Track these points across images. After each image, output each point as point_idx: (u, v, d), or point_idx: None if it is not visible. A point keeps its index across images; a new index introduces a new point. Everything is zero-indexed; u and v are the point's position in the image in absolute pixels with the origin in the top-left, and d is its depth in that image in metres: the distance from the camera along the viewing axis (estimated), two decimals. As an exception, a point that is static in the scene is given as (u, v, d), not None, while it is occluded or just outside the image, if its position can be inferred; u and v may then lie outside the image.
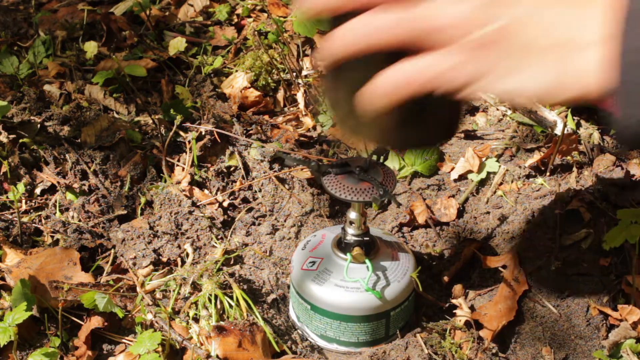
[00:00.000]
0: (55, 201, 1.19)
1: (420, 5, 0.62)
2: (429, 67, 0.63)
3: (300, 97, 1.42)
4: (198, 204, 1.19)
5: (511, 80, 0.62)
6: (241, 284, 1.05)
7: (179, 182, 1.23)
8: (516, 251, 1.08)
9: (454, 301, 1.04)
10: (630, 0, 0.58)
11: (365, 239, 0.96)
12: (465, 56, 0.62)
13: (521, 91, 0.63)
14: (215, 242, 1.13)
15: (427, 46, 0.63)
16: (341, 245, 0.98)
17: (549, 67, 0.61)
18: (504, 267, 1.07)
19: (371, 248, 0.97)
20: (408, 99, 0.64)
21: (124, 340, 1.02)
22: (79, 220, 1.16)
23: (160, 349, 0.97)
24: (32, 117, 1.32)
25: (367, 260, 0.96)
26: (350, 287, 0.95)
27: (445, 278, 1.08)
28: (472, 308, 1.03)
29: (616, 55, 0.58)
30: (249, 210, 1.20)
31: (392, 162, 1.26)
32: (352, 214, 0.95)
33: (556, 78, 0.61)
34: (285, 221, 1.18)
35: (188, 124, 1.30)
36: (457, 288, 1.07)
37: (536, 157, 1.24)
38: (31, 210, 1.19)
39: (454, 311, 1.02)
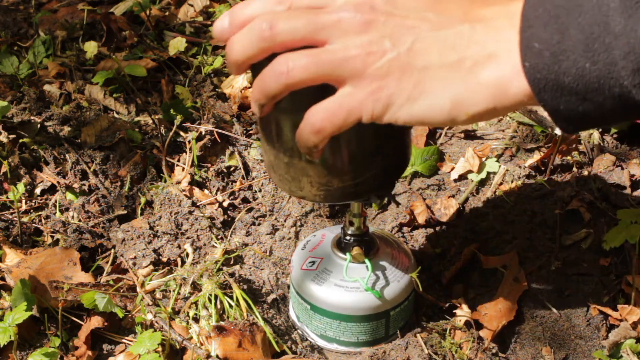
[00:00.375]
0: (55, 201, 1.19)
1: (327, 42, 0.65)
2: (345, 99, 0.66)
3: (300, 97, 1.41)
4: (198, 204, 1.19)
5: (417, 105, 0.64)
6: (241, 284, 1.05)
7: (179, 182, 1.23)
8: (516, 251, 1.08)
9: (454, 301, 1.04)
10: (525, 7, 0.61)
11: (364, 238, 0.96)
12: (373, 86, 0.64)
13: (430, 114, 0.65)
14: (215, 242, 1.13)
15: (339, 80, 0.65)
16: (341, 245, 0.98)
17: (453, 85, 0.63)
18: (504, 267, 1.07)
19: (371, 248, 0.97)
20: (339, 132, 0.67)
21: (124, 340, 1.02)
22: (79, 220, 1.16)
23: (160, 349, 0.97)
24: (32, 117, 1.32)
25: (366, 260, 0.96)
26: (350, 286, 0.96)
27: (445, 278, 1.08)
28: (472, 308, 1.03)
29: (518, 60, 0.61)
30: (249, 210, 1.20)
31: (392, 162, 1.26)
32: (351, 215, 0.95)
33: (462, 95, 0.63)
34: (285, 221, 1.18)
35: (188, 124, 1.30)
36: (457, 288, 1.07)
37: (536, 157, 1.24)
38: (31, 210, 1.19)
39: (454, 311, 1.02)
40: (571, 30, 0.58)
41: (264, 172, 1.24)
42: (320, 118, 0.67)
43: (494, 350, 0.98)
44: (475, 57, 0.62)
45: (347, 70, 0.65)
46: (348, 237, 0.96)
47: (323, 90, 0.67)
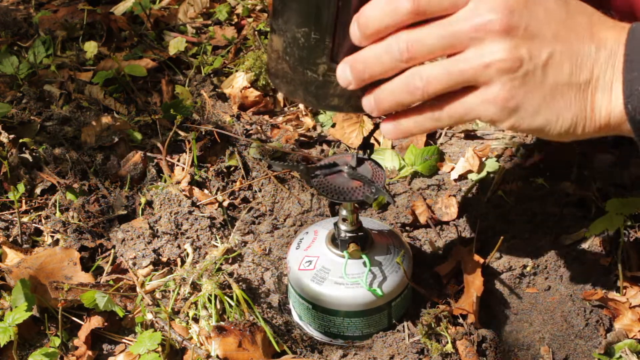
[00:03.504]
0: (55, 201, 1.19)
1: (463, 51, 0.66)
2: (469, 99, 0.67)
3: (300, 97, 1.41)
4: (198, 203, 1.19)
5: (540, 118, 0.66)
6: (241, 283, 1.05)
7: (179, 182, 1.23)
8: (467, 248, 1.09)
9: (451, 301, 1.04)
10: (627, 47, 0.64)
11: (359, 234, 0.97)
12: (502, 94, 0.65)
13: (548, 128, 0.67)
14: (215, 242, 1.13)
15: (472, 86, 0.66)
16: (335, 241, 0.98)
17: (576, 107, 0.66)
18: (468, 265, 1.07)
19: (366, 242, 0.97)
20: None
21: (124, 340, 1.02)
22: (79, 220, 1.16)
23: (160, 349, 0.97)
24: (32, 117, 1.32)
25: (363, 256, 0.96)
26: (350, 283, 0.96)
27: (444, 277, 1.09)
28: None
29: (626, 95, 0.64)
30: (249, 210, 1.20)
31: (392, 162, 1.26)
32: (344, 212, 0.95)
33: (580, 116, 0.66)
34: (284, 221, 1.18)
35: (188, 124, 1.30)
36: (451, 285, 1.07)
37: (536, 156, 1.24)
38: (31, 210, 1.19)
39: (443, 306, 1.02)
40: None
41: (264, 172, 1.24)
42: (440, 106, 0.68)
43: (493, 350, 0.98)
44: (598, 82, 0.65)
45: (481, 78, 0.65)
46: (343, 234, 0.96)
47: None
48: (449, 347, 0.97)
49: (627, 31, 0.65)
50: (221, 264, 1.09)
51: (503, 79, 0.65)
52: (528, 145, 1.28)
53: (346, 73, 0.71)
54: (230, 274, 1.07)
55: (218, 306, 1.02)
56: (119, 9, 1.63)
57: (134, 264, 1.10)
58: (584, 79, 0.65)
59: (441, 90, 0.67)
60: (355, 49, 0.71)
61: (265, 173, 1.24)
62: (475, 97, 0.66)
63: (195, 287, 1.05)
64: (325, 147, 1.33)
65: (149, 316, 1.02)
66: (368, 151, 0.94)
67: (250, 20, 1.60)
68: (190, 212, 1.16)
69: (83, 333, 1.00)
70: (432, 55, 0.66)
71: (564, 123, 0.66)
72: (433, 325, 0.98)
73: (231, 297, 1.03)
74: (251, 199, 1.22)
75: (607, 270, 1.07)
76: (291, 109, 1.42)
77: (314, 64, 0.75)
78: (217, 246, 1.12)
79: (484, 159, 1.24)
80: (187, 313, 1.03)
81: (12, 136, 1.26)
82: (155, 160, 1.27)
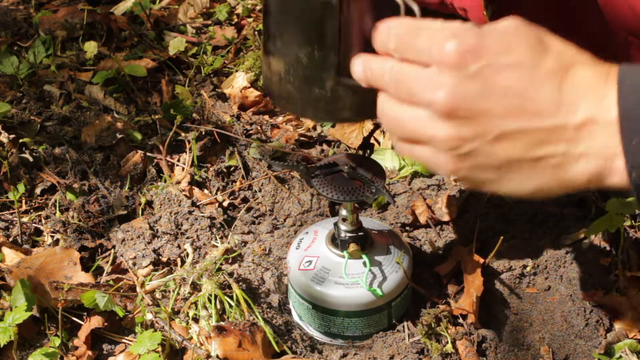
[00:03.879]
0: (55, 201, 1.19)
1: (422, 104, 0.63)
2: (424, 152, 0.65)
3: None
4: (198, 203, 1.19)
5: (497, 186, 0.63)
6: (241, 283, 1.05)
7: (179, 182, 1.23)
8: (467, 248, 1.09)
9: (451, 301, 1.04)
10: (621, 108, 0.58)
11: (359, 234, 0.97)
12: (452, 165, 0.63)
13: (517, 193, 0.64)
14: (215, 242, 1.13)
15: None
16: (335, 241, 0.98)
17: (536, 179, 0.62)
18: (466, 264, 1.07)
19: (366, 242, 0.97)
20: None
21: (124, 340, 1.02)
22: (79, 220, 1.16)
23: (160, 349, 0.97)
24: (32, 117, 1.32)
25: (363, 256, 0.96)
26: (350, 283, 0.96)
27: (444, 277, 1.09)
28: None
29: (615, 161, 0.58)
30: (249, 209, 1.20)
31: (392, 162, 1.26)
32: (344, 212, 0.95)
33: (547, 184, 0.62)
34: (284, 221, 1.18)
35: (188, 124, 1.30)
36: (451, 285, 1.07)
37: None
38: (31, 210, 1.19)
39: (443, 306, 1.02)
40: None
41: (264, 172, 1.24)
42: (396, 131, 0.66)
43: (493, 349, 0.98)
44: (565, 156, 0.60)
45: (431, 144, 0.63)
46: (343, 235, 0.96)
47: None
48: (449, 347, 0.97)
49: (615, 85, 0.58)
50: (221, 264, 1.09)
51: (448, 154, 0.63)
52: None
53: (359, 70, 0.70)
54: (230, 274, 1.07)
55: (218, 306, 1.02)
56: (119, 9, 1.63)
57: (134, 264, 1.10)
58: (547, 153, 0.60)
59: (402, 136, 0.66)
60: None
61: (265, 173, 1.24)
62: (429, 153, 0.64)
63: (195, 287, 1.05)
64: (325, 147, 1.33)
65: (149, 316, 1.02)
66: (368, 151, 0.94)
67: (250, 20, 1.60)
68: (190, 212, 1.16)
69: (83, 333, 1.00)
70: (398, 96, 0.65)
71: (526, 191, 0.63)
72: (433, 325, 0.98)
73: (231, 297, 1.03)
74: (251, 199, 1.22)
75: (607, 270, 1.07)
76: (291, 109, 1.42)
77: (320, 81, 0.75)
78: (217, 246, 1.12)
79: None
80: (187, 313, 1.03)
81: (12, 136, 1.26)
82: (155, 160, 1.27)
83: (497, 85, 0.60)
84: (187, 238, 1.13)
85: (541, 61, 0.60)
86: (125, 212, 1.19)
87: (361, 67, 0.69)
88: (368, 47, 0.70)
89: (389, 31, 0.66)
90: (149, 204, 1.20)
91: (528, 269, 1.08)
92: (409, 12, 0.68)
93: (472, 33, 0.61)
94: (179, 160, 1.27)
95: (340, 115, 0.78)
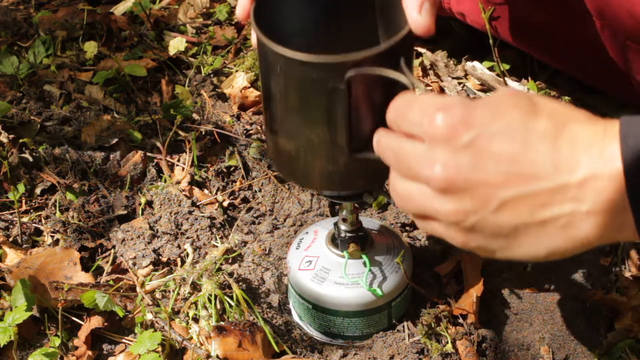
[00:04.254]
0: (55, 201, 1.19)
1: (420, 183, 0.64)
2: (435, 227, 0.65)
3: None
4: (198, 204, 1.19)
5: (509, 253, 0.63)
6: (241, 283, 1.05)
7: (179, 182, 1.23)
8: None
9: (451, 301, 1.04)
10: (627, 172, 0.56)
11: (359, 234, 0.97)
12: (460, 238, 0.63)
13: (530, 258, 0.63)
14: (215, 242, 1.13)
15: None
16: (335, 241, 0.98)
17: (548, 241, 0.61)
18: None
19: (366, 242, 0.97)
20: None
21: (124, 340, 1.02)
22: (79, 220, 1.16)
23: (160, 349, 0.97)
24: (32, 117, 1.32)
25: (363, 256, 0.96)
26: (350, 283, 0.96)
27: (444, 277, 1.09)
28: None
29: (625, 218, 0.57)
30: (249, 209, 1.20)
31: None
32: (344, 212, 0.95)
33: (559, 246, 0.61)
34: (284, 221, 1.18)
35: (188, 124, 1.30)
36: (451, 285, 1.07)
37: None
38: (31, 210, 1.19)
39: (443, 306, 1.02)
40: None
41: (264, 172, 1.24)
42: (406, 206, 0.66)
43: (493, 349, 0.98)
44: (573, 215, 0.58)
45: (437, 218, 0.63)
46: (343, 234, 0.96)
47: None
48: (449, 347, 0.97)
49: (615, 138, 0.57)
50: (221, 264, 1.09)
51: (454, 228, 0.62)
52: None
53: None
54: (230, 274, 1.07)
55: (218, 306, 1.02)
56: (119, 9, 1.63)
57: (134, 264, 1.10)
58: (553, 215, 0.59)
59: (412, 212, 0.66)
60: (373, 134, 0.71)
61: (265, 173, 1.24)
62: (441, 228, 0.64)
63: (195, 287, 1.05)
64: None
65: (149, 316, 1.02)
66: None
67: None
68: (190, 212, 1.16)
69: (83, 333, 1.00)
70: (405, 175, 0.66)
71: (539, 255, 0.62)
72: (433, 325, 0.98)
73: (231, 297, 1.03)
74: (251, 199, 1.22)
75: (607, 270, 1.07)
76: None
77: (332, 158, 0.75)
78: (217, 246, 1.12)
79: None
80: (187, 313, 1.03)
81: (12, 136, 1.26)
82: (155, 160, 1.27)
83: (490, 154, 0.59)
84: (187, 238, 1.13)
85: (533, 123, 0.59)
86: (125, 212, 1.19)
87: (375, 141, 0.70)
88: (379, 122, 0.70)
89: (392, 104, 0.67)
90: (149, 204, 1.20)
91: (528, 269, 1.08)
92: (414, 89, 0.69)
93: (462, 105, 0.61)
94: (179, 160, 1.27)
95: (356, 185, 0.80)
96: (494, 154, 0.59)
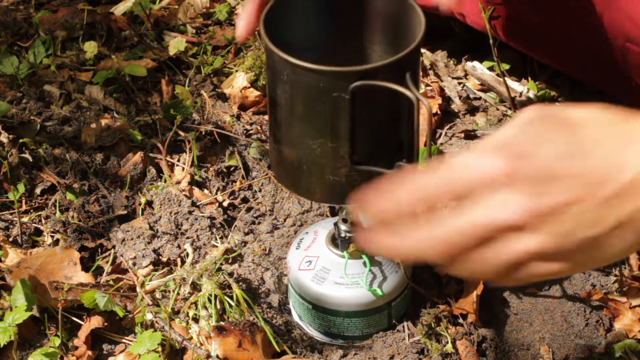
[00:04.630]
0: (55, 201, 1.19)
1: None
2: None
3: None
4: (198, 204, 1.19)
5: (605, 258, 0.60)
6: (241, 283, 1.05)
7: (179, 182, 1.23)
8: None
9: (451, 301, 1.04)
10: None
11: None
12: (557, 266, 0.59)
13: (610, 262, 0.62)
14: (215, 242, 1.13)
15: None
16: (335, 241, 0.98)
17: (623, 240, 0.58)
18: None
19: None
20: None
21: (124, 340, 1.02)
22: (79, 220, 1.16)
23: (160, 349, 0.97)
24: (32, 117, 1.32)
25: (363, 256, 0.96)
26: (351, 283, 0.96)
27: (444, 277, 1.09)
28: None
29: None
30: (249, 209, 1.20)
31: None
32: (344, 211, 0.95)
33: (622, 250, 0.59)
34: (284, 221, 1.18)
35: (188, 124, 1.30)
36: (451, 285, 1.07)
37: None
38: (31, 210, 1.19)
39: (443, 306, 1.02)
40: None
41: (264, 172, 1.24)
42: (488, 269, 0.59)
43: (492, 349, 0.98)
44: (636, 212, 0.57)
45: (532, 257, 0.58)
46: (343, 234, 0.96)
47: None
48: (449, 347, 0.97)
49: None
50: (221, 264, 1.09)
51: (550, 260, 0.59)
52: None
53: None
54: (230, 274, 1.07)
55: (218, 306, 1.02)
56: (119, 9, 1.63)
57: (134, 264, 1.10)
58: (624, 215, 0.57)
59: (495, 271, 0.60)
60: (376, 147, 0.71)
61: (265, 173, 1.24)
62: (534, 267, 0.60)
63: (195, 287, 1.05)
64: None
65: (149, 316, 1.02)
66: None
67: (250, 20, 1.60)
68: (190, 212, 1.16)
69: (83, 333, 1.00)
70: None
71: (614, 257, 0.60)
72: (433, 325, 0.99)
73: (231, 297, 1.03)
74: (251, 199, 1.22)
75: (607, 271, 1.07)
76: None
77: (334, 169, 0.75)
78: (217, 246, 1.12)
79: (484, 159, 1.24)
80: (187, 313, 1.03)
81: (12, 136, 1.26)
82: (155, 160, 1.27)
83: (556, 177, 0.57)
84: (187, 238, 1.13)
85: (579, 135, 0.58)
86: (125, 212, 1.19)
87: (428, 237, 0.61)
88: (382, 135, 0.70)
89: (415, 189, 0.59)
90: (149, 204, 1.20)
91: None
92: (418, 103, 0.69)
93: (511, 147, 0.58)
94: (179, 160, 1.27)
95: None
96: (560, 175, 0.57)
